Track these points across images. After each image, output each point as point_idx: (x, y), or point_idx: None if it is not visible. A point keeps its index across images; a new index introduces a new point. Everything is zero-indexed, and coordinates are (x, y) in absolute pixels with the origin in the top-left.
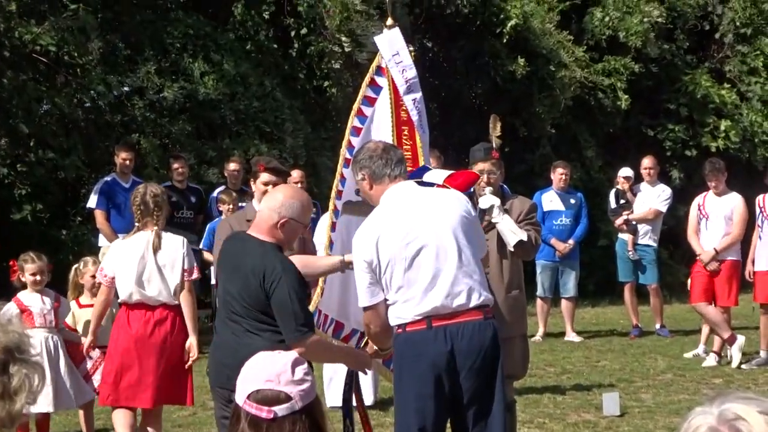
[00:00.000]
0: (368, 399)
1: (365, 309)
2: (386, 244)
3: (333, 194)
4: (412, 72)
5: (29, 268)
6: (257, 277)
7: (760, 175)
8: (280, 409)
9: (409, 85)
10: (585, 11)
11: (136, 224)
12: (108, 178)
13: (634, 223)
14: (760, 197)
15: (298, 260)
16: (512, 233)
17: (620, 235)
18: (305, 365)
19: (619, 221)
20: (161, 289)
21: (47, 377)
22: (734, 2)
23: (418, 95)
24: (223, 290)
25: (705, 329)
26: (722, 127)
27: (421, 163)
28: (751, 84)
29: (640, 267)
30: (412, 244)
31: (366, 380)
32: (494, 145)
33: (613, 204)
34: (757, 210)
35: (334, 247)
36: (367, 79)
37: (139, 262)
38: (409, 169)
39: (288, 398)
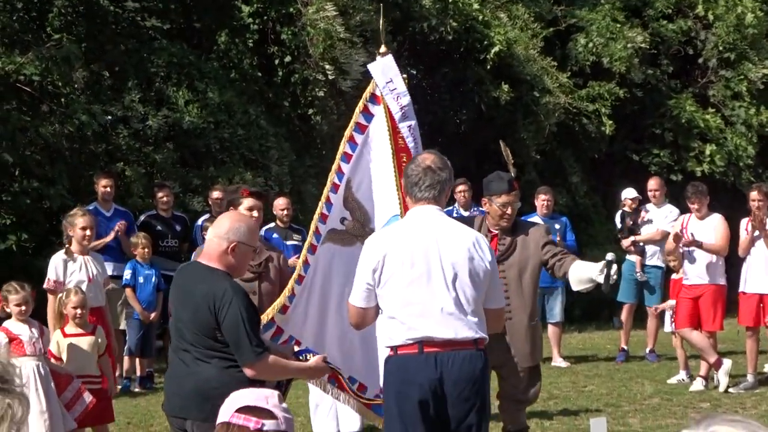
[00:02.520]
0: (355, 426)
1: (353, 307)
2: (391, 262)
3: (316, 216)
4: (406, 99)
5: (14, 298)
6: (208, 302)
7: (745, 198)
8: (268, 424)
9: (404, 112)
10: (569, 37)
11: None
12: (90, 207)
13: (641, 244)
14: (744, 221)
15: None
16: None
17: (628, 257)
18: (285, 405)
19: (626, 242)
20: None
21: (43, 405)
22: (718, 27)
23: (413, 122)
24: (175, 318)
25: (680, 354)
26: (707, 152)
27: None
28: (735, 108)
29: (647, 288)
30: (414, 269)
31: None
32: (513, 175)
33: (619, 225)
34: (743, 234)
35: (309, 269)
36: (360, 106)
37: None
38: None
39: (275, 417)
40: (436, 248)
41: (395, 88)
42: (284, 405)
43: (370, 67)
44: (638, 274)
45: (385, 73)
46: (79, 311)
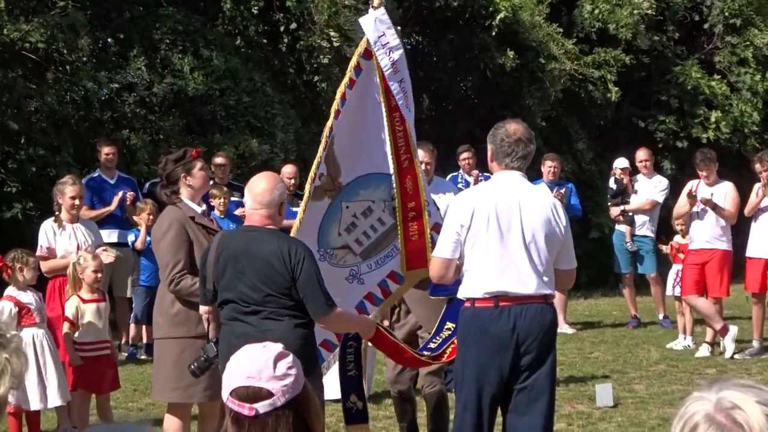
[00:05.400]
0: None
1: (438, 259)
2: (478, 218)
3: (311, 176)
4: (398, 52)
5: (32, 261)
6: (282, 259)
7: (750, 164)
8: (262, 406)
9: (395, 67)
10: (574, 4)
11: None
12: (94, 175)
13: (630, 214)
14: (757, 185)
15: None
16: None
17: (617, 227)
18: (289, 359)
19: (615, 212)
20: None
21: (58, 370)
22: None
23: (405, 74)
24: (231, 285)
25: (680, 320)
26: (713, 118)
27: (413, 144)
28: (741, 75)
29: (638, 257)
30: (497, 228)
31: None
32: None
33: (612, 186)
34: (753, 197)
35: (302, 228)
36: (353, 61)
37: None
38: (406, 156)
39: (270, 395)
40: (518, 210)
41: (387, 42)
42: (284, 368)
43: (361, 20)
44: (628, 244)
45: (377, 26)
46: (99, 275)
